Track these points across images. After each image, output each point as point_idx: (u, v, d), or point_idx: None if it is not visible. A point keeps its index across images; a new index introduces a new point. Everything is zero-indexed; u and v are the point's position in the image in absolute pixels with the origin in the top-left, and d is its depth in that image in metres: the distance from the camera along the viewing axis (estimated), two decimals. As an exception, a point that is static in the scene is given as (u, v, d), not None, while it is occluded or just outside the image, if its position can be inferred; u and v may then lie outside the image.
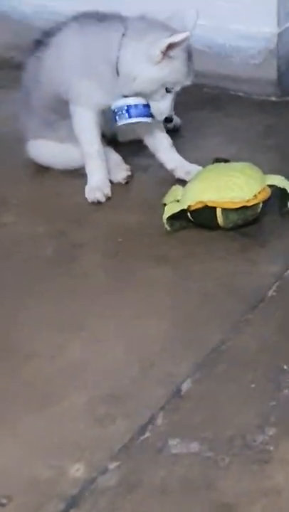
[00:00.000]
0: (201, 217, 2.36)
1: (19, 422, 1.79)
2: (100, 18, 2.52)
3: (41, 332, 2.03)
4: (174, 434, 1.74)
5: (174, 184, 2.48)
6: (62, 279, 2.22)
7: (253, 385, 1.85)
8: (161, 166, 2.62)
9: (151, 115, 2.48)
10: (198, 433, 1.74)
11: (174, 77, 2.42)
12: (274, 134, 2.86)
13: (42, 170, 2.67)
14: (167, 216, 2.36)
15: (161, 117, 2.48)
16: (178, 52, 2.39)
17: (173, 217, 2.36)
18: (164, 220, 2.36)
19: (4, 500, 1.63)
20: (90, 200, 2.50)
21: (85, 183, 2.54)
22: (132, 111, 2.45)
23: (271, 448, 1.69)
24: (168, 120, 2.53)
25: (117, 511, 1.60)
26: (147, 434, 1.74)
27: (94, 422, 1.78)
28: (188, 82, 2.46)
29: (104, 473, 1.67)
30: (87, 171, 2.54)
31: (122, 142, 2.75)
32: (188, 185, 2.41)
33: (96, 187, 2.52)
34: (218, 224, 2.35)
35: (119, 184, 2.59)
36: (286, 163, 2.65)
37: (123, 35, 2.43)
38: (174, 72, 2.41)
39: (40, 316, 2.09)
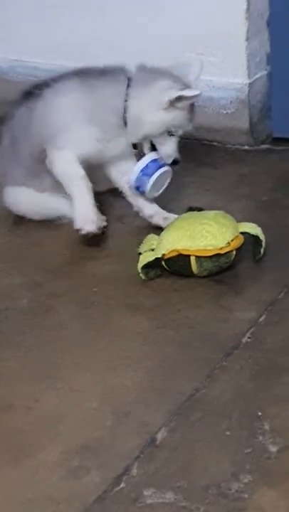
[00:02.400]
0: (176, 266, 2.38)
1: (-8, 475, 1.78)
2: (101, 71, 2.60)
3: (16, 384, 2.03)
4: (149, 484, 1.73)
5: (149, 233, 2.51)
6: (38, 330, 2.22)
7: (228, 433, 1.84)
8: (136, 215, 2.65)
9: (163, 165, 2.55)
10: (173, 482, 1.73)
11: (178, 122, 2.52)
12: (247, 182, 2.90)
13: (18, 221, 2.69)
14: (142, 265, 2.37)
15: (169, 160, 2.55)
16: (185, 104, 2.49)
17: (148, 266, 2.38)
18: (139, 269, 2.37)
19: None
20: (83, 232, 2.48)
21: (61, 233, 2.55)
22: (147, 171, 2.52)
23: (246, 496, 1.68)
24: (175, 163, 2.57)
25: None
26: (122, 485, 1.73)
27: (68, 474, 1.76)
28: (189, 127, 2.56)
29: (78, 525, 1.66)
30: (73, 202, 2.51)
31: (98, 192, 2.78)
32: (162, 234, 2.44)
33: (90, 219, 2.49)
34: (192, 272, 2.37)
35: (94, 234, 2.61)
36: (259, 211, 2.69)
37: (128, 86, 2.53)
38: (179, 118, 2.51)
39: (15, 368, 2.08)
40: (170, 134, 2.53)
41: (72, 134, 2.54)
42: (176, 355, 2.10)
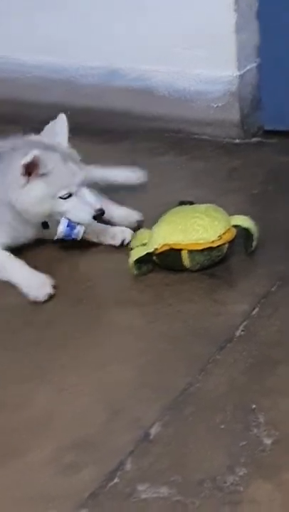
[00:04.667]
0: (168, 260, 2.36)
1: (-16, 474, 1.76)
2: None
3: (6, 383, 2.00)
4: (143, 479, 1.70)
5: (140, 228, 2.49)
6: (28, 328, 2.20)
7: (222, 426, 1.82)
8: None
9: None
10: (168, 477, 1.70)
11: (58, 185, 2.32)
12: (238, 175, 2.88)
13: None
14: (134, 260, 2.35)
15: (86, 222, 2.36)
16: (48, 166, 2.30)
17: (139, 261, 2.35)
18: (131, 264, 2.35)
19: None
20: (41, 299, 2.28)
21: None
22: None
23: (241, 489, 1.66)
24: (97, 216, 2.36)
25: None
26: (116, 480, 1.71)
27: (61, 470, 1.74)
28: (78, 179, 2.35)
29: (72, 522, 1.64)
30: (16, 279, 2.33)
31: None
32: (153, 228, 2.41)
33: (41, 282, 2.31)
34: (184, 266, 2.35)
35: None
36: (250, 204, 2.67)
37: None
38: (54, 181, 2.32)
39: (5, 367, 2.06)
40: (64, 197, 2.33)
41: None
42: (168, 349, 2.08)
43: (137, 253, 2.36)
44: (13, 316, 2.25)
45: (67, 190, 2.34)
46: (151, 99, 3.11)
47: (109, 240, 2.49)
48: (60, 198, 2.34)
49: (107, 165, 2.77)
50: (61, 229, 2.38)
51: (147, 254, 2.35)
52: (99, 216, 2.37)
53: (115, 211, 2.60)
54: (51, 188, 2.33)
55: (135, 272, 2.36)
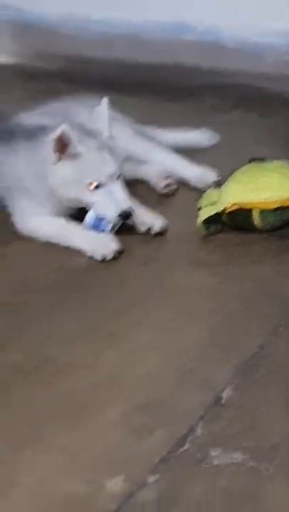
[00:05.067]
0: (238, 220, 2.30)
1: (54, 436, 1.73)
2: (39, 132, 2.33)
3: (75, 343, 1.98)
4: (215, 444, 1.66)
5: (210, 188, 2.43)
6: (97, 288, 2.17)
7: (295, 390, 1.78)
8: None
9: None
10: (241, 442, 1.66)
11: (85, 171, 2.24)
12: (309, 131, 2.80)
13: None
14: (202, 220, 2.30)
15: (110, 219, 2.25)
16: (79, 148, 2.23)
17: (209, 221, 2.30)
18: (199, 225, 2.30)
19: (40, 518, 1.57)
20: (110, 256, 2.24)
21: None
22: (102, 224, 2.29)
23: (317, 456, 1.62)
24: (124, 217, 2.25)
25: (157, 526, 1.54)
26: (187, 445, 1.67)
27: (131, 433, 1.71)
28: (109, 171, 2.25)
29: (143, 487, 1.60)
30: (78, 243, 2.28)
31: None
32: (223, 187, 2.35)
33: (105, 241, 2.26)
34: (255, 226, 2.29)
35: (153, 191, 2.53)
36: None
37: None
38: (82, 166, 2.24)
39: (75, 327, 2.04)
40: (91, 187, 2.24)
41: (18, 205, 2.36)
42: (239, 310, 2.04)
43: (205, 213, 2.30)
44: (84, 276, 2.22)
45: (95, 179, 2.24)
46: (221, 53, 3.04)
47: (138, 226, 2.33)
48: (87, 186, 2.25)
49: (173, 124, 2.72)
50: (88, 218, 2.28)
51: (216, 214, 2.29)
52: (125, 217, 2.26)
53: (192, 171, 2.54)
54: (78, 172, 2.24)
55: (204, 232, 2.31)
